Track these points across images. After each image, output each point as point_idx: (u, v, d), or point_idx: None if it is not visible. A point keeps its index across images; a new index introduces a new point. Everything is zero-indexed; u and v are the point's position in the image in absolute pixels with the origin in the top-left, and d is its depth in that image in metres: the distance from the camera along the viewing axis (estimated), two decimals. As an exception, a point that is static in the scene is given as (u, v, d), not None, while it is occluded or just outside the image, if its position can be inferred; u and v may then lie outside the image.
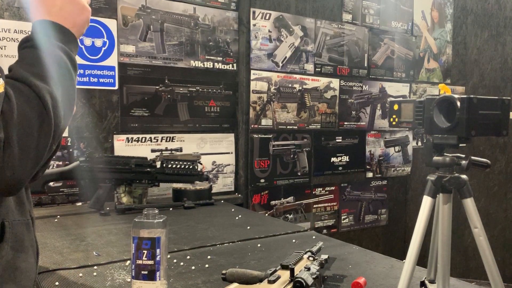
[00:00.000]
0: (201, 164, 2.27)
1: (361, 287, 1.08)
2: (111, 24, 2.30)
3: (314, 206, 3.08)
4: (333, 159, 3.16)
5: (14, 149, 0.73)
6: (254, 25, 2.75)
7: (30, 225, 0.93)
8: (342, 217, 3.22)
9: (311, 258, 1.19)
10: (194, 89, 2.57)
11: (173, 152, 2.50)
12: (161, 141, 2.47)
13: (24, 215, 0.91)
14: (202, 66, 2.59)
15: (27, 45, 0.83)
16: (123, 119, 2.35)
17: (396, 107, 1.14)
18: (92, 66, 2.25)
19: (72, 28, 0.89)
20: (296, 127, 2.97)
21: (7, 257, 0.84)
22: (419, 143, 3.62)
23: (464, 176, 1.04)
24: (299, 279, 0.97)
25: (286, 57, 2.89)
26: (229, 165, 2.72)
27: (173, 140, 2.51)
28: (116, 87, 2.33)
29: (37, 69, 0.80)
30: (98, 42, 2.27)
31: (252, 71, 2.75)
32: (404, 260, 1.06)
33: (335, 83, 3.14)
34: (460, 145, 1.01)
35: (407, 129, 3.37)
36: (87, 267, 1.27)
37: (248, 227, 1.79)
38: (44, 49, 0.82)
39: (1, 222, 0.84)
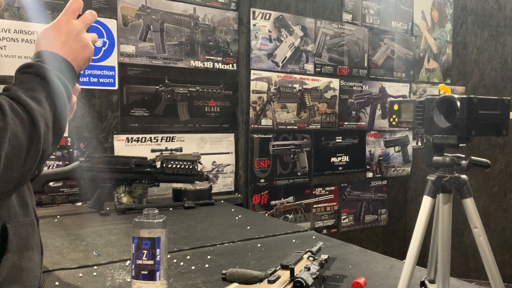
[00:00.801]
0: (201, 164, 2.27)
1: (361, 287, 1.08)
2: (111, 24, 2.30)
3: (314, 206, 3.08)
4: (333, 159, 3.16)
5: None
6: (254, 25, 2.75)
7: (35, 225, 0.94)
8: (342, 217, 3.22)
9: (311, 258, 1.19)
10: (194, 89, 2.57)
11: (173, 152, 2.50)
12: (161, 141, 2.47)
13: (29, 216, 0.92)
14: (202, 66, 2.59)
15: (28, 71, 0.85)
16: (123, 119, 2.35)
17: (396, 107, 1.14)
18: (92, 66, 2.25)
19: (72, 62, 0.91)
20: (296, 127, 2.97)
21: (12, 259, 0.84)
22: (419, 143, 3.62)
23: (464, 176, 1.04)
24: (299, 279, 0.98)
25: (286, 57, 2.89)
26: (229, 165, 2.72)
27: (173, 140, 2.51)
28: (116, 87, 2.33)
29: (36, 94, 0.81)
30: (98, 42, 2.26)
31: (252, 71, 2.75)
32: (404, 260, 1.06)
33: (335, 83, 3.14)
34: (460, 145, 1.01)
35: (407, 129, 3.37)
36: (87, 267, 1.27)
37: (248, 227, 1.79)
38: (44, 77, 0.84)
39: (2, 225, 0.84)
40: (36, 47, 0.91)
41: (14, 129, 0.74)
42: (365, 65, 3.30)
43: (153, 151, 2.44)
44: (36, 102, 0.80)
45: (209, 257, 1.39)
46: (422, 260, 1.07)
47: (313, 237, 1.66)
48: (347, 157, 3.22)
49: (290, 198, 2.96)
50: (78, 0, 0.94)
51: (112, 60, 2.31)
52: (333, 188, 3.17)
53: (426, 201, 1.04)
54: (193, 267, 1.29)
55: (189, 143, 2.56)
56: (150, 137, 2.43)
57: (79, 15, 0.96)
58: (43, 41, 0.90)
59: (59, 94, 0.85)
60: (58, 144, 0.90)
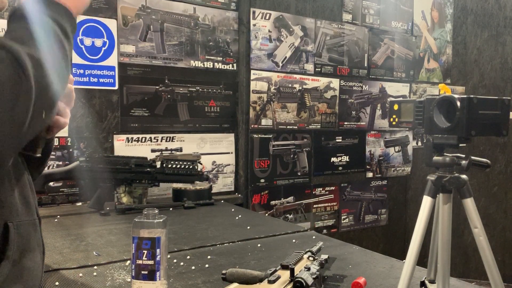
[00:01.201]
0: (201, 164, 2.27)
1: (361, 287, 1.08)
2: (111, 24, 2.30)
3: (314, 206, 3.08)
4: (333, 159, 3.16)
5: None
6: (254, 25, 2.75)
7: (37, 225, 0.93)
8: (342, 217, 3.22)
9: (311, 258, 1.19)
10: (194, 89, 2.57)
11: (173, 152, 2.49)
12: (161, 141, 2.47)
13: (31, 215, 0.91)
14: (202, 66, 2.59)
15: (12, 18, 0.78)
16: (123, 119, 2.35)
17: (396, 107, 1.14)
18: (92, 66, 2.25)
19: (65, 3, 0.84)
20: (296, 127, 2.97)
21: (13, 257, 0.84)
22: (419, 143, 3.62)
23: (464, 176, 1.04)
24: (299, 279, 0.97)
25: (286, 57, 2.89)
26: (229, 165, 2.72)
27: (173, 140, 2.51)
28: (116, 87, 2.33)
29: (18, 34, 0.75)
30: (98, 42, 2.27)
31: (252, 71, 2.75)
32: (404, 260, 1.06)
33: (335, 83, 3.14)
34: (460, 145, 1.01)
35: (407, 129, 3.37)
36: (87, 267, 1.27)
37: (248, 227, 1.79)
38: (30, 17, 0.77)
39: (4, 223, 0.84)
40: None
41: None
42: (365, 65, 3.30)
43: (153, 151, 2.44)
44: (19, 41, 0.73)
45: (209, 257, 1.39)
46: (422, 260, 1.07)
47: (313, 237, 1.66)
48: (347, 157, 3.22)
49: (290, 198, 2.96)
50: None
51: (112, 60, 2.31)
52: (333, 188, 3.17)
53: (426, 201, 1.04)
54: (193, 267, 1.29)
55: (189, 143, 2.56)
56: (150, 137, 2.43)
57: None
58: None
59: (50, 31, 0.78)
60: (66, 84, 0.82)
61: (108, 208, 2.00)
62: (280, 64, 2.87)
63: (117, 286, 1.15)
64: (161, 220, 1.01)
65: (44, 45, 0.75)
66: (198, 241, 1.57)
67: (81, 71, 2.22)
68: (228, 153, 2.72)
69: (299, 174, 2.99)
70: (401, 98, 3.01)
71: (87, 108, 2.25)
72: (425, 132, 1.05)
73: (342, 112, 3.18)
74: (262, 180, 2.83)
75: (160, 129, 2.46)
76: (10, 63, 0.69)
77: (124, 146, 2.35)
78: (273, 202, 2.89)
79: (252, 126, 2.77)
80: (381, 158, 3.41)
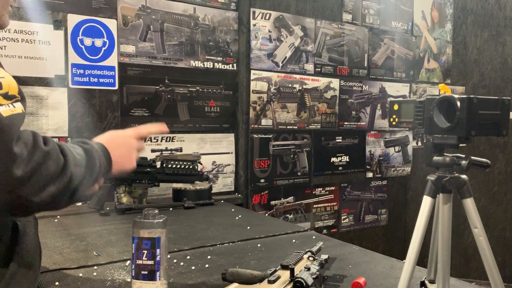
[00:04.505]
0: (201, 164, 2.27)
1: (361, 287, 1.08)
2: (111, 24, 2.30)
3: (314, 206, 3.08)
4: (333, 159, 3.16)
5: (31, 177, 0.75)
6: (254, 25, 2.75)
7: (35, 225, 0.96)
8: (342, 217, 3.22)
9: (311, 258, 1.19)
10: (194, 89, 2.57)
11: (173, 152, 2.49)
12: (161, 141, 2.47)
13: (31, 216, 0.94)
14: (202, 66, 2.59)
15: (81, 144, 0.93)
16: (123, 119, 2.35)
17: (396, 107, 1.14)
18: (92, 66, 2.25)
19: (113, 162, 0.99)
20: (296, 127, 2.97)
21: (20, 255, 0.87)
22: (419, 143, 3.62)
23: (464, 176, 1.04)
24: (299, 279, 0.98)
25: (286, 57, 2.89)
26: (229, 165, 2.72)
27: (173, 140, 2.51)
28: (116, 87, 2.33)
29: (78, 156, 0.87)
30: (98, 42, 2.27)
31: (252, 71, 2.75)
32: (404, 260, 1.06)
33: (335, 83, 3.14)
34: (460, 145, 1.01)
35: (407, 129, 3.37)
36: (87, 267, 1.27)
37: (248, 227, 1.79)
38: (89, 153, 0.91)
39: (13, 223, 0.88)
40: (99, 139, 1.01)
41: (46, 157, 0.78)
42: (365, 65, 3.30)
43: (153, 151, 2.43)
44: (72, 156, 0.84)
45: (209, 257, 1.39)
46: (422, 260, 1.07)
47: (313, 237, 1.66)
48: (347, 157, 3.22)
49: (290, 198, 2.96)
50: (149, 132, 1.18)
51: (112, 60, 2.31)
52: (333, 188, 3.17)
53: (426, 201, 1.04)
54: (193, 267, 1.29)
55: (189, 143, 2.56)
56: (150, 137, 2.43)
57: None
58: (102, 139, 1.01)
59: (93, 165, 0.91)
60: (88, 192, 0.93)
61: (108, 208, 1.99)
62: (280, 64, 2.87)
63: (117, 286, 1.15)
64: (161, 220, 1.01)
65: (84, 169, 0.88)
66: (198, 241, 1.57)
67: (81, 71, 2.22)
68: (228, 153, 2.72)
69: (299, 174, 2.99)
70: (401, 98, 3.01)
71: (87, 108, 2.25)
72: (425, 132, 1.05)
73: (342, 112, 3.18)
74: (262, 180, 2.83)
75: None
76: (60, 160, 0.81)
77: (124, 146, 2.35)
78: (273, 202, 2.89)
79: (252, 126, 2.77)
80: (381, 158, 3.41)
